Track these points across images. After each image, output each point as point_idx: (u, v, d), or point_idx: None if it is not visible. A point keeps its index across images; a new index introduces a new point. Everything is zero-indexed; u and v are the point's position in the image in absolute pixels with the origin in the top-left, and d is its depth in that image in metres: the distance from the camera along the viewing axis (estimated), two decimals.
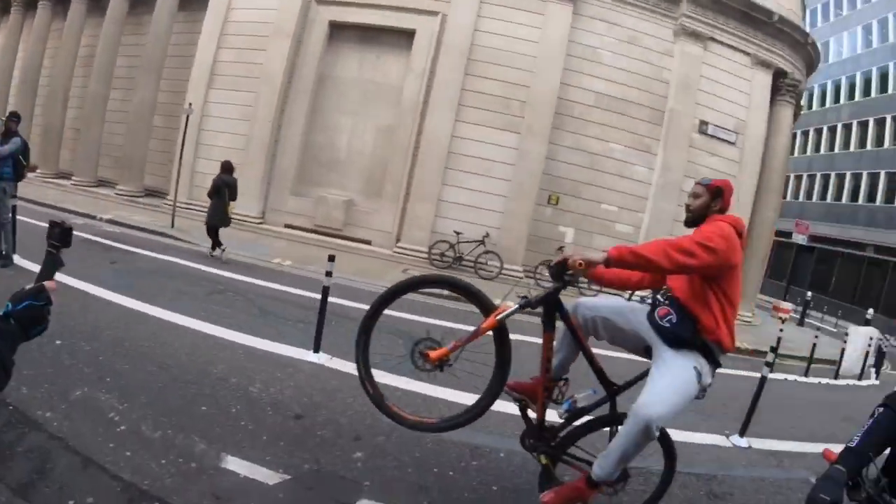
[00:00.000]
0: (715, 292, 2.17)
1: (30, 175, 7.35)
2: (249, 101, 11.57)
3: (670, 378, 2.09)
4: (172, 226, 10.07)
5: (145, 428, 2.69)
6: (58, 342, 3.48)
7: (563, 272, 2.11)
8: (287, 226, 11.41)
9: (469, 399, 2.52)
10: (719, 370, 2.25)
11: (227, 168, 8.21)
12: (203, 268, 7.19)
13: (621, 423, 2.21)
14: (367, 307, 2.36)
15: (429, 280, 2.61)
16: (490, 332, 2.21)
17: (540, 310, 2.27)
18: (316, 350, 4.18)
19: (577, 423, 2.44)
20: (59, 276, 1.33)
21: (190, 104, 10.76)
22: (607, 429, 2.41)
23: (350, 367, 3.34)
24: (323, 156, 11.73)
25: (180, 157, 10.49)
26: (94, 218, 10.23)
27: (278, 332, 4.75)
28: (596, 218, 11.30)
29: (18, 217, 6.33)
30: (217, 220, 7.97)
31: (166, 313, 4.75)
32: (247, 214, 11.17)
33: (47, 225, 1.33)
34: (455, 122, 10.87)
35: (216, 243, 7.96)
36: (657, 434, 2.06)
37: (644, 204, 11.32)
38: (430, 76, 11.04)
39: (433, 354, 2.14)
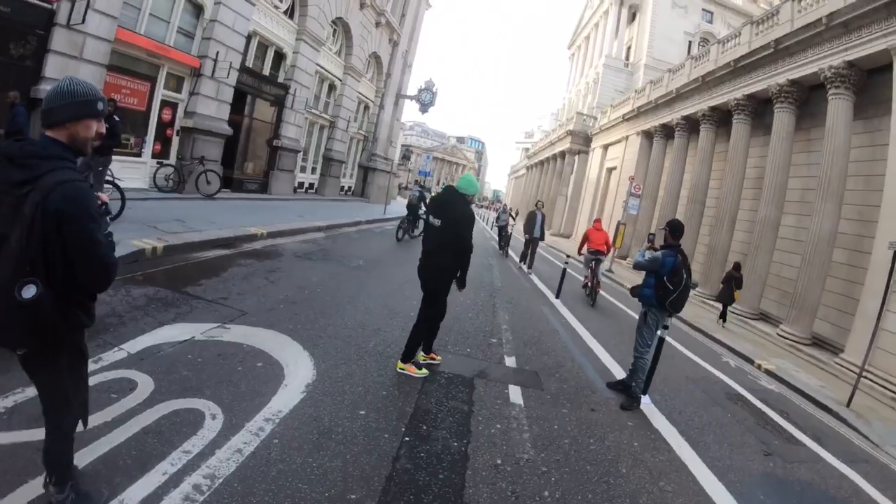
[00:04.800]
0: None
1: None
2: None
3: None
4: (849, 404, 7.69)
5: None
6: None
7: None
8: None
9: None
10: None
11: (737, 268, 13.65)
12: None
13: None
14: None
15: None
16: None
17: None
18: None
19: None
20: None
21: None
22: None
23: None
24: None
25: (880, 312, 8.29)
26: (751, 362, 9.68)
27: None
28: None
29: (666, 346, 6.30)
30: (725, 299, 13.26)
31: None
32: None
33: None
34: None
35: (724, 316, 13.34)
36: None
37: None
38: None
39: None
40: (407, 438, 3.78)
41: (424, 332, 5.24)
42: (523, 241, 16.45)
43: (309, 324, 5.92)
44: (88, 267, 1.97)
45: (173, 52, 13.01)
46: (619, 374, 6.67)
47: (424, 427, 4.03)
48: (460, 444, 3.88)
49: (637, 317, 6.13)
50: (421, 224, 15.50)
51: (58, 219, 1.86)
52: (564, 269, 12.20)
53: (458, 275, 5.18)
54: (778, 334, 12.62)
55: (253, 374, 4.31)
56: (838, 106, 12.79)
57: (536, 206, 16.24)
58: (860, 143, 12.65)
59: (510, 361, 6.21)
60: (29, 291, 1.85)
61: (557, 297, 11.34)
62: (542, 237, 15.42)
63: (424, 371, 5.13)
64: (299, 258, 9.73)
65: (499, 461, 3.76)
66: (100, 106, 2.11)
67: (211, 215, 11.37)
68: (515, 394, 5.16)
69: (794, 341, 12.08)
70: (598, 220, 13.69)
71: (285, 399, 3.97)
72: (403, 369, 5.05)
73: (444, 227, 4.98)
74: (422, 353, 5.38)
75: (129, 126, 12.67)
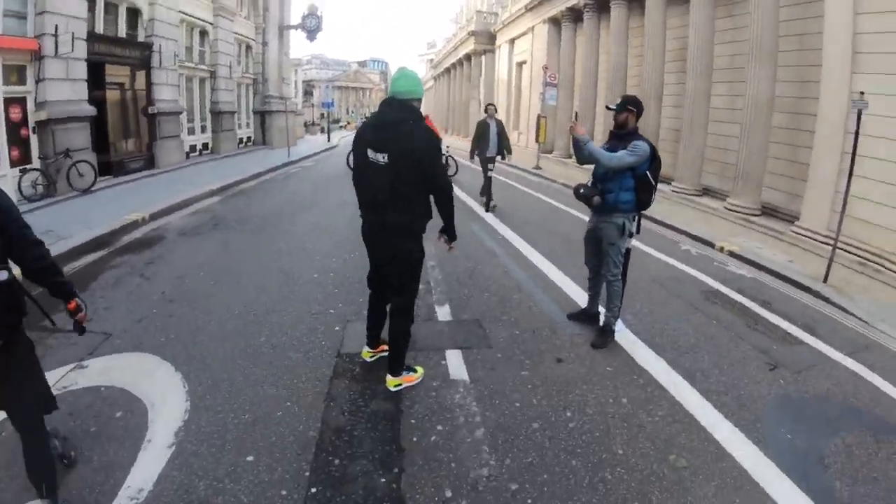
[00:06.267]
0: None
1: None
2: None
3: None
4: (825, 279, 6.96)
5: None
6: None
7: None
8: None
9: None
10: None
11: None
12: None
13: None
14: None
15: None
16: None
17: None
18: None
19: None
20: None
21: (861, 94, 7.34)
22: None
23: None
24: None
25: (850, 175, 7.33)
26: (712, 246, 8.79)
27: None
28: None
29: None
30: None
31: None
32: None
33: None
34: None
35: None
36: None
37: None
38: None
39: None
40: (314, 489, 2.62)
41: (397, 331, 3.62)
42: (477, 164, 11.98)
43: (185, 326, 4.70)
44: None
45: (3, 40, 10.68)
46: (577, 293, 5.82)
47: (337, 461, 2.84)
48: (389, 479, 2.72)
49: (587, 221, 4.89)
50: None
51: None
52: (490, 177, 10.99)
53: (443, 224, 3.57)
54: (726, 208, 12.10)
55: (108, 432, 3.10)
56: None
57: (486, 110, 11.55)
58: (791, 1, 11.68)
59: (443, 312, 5.11)
60: (2, 275, 2.00)
61: (487, 210, 10.53)
62: (503, 156, 11.29)
63: (420, 370, 3.81)
64: (185, 236, 8.39)
65: (448, 493, 2.63)
66: None
67: (85, 213, 9.64)
68: (456, 363, 4.01)
69: (744, 213, 11.57)
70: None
71: (148, 466, 2.79)
72: (399, 385, 3.63)
73: (395, 166, 3.17)
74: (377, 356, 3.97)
75: None
